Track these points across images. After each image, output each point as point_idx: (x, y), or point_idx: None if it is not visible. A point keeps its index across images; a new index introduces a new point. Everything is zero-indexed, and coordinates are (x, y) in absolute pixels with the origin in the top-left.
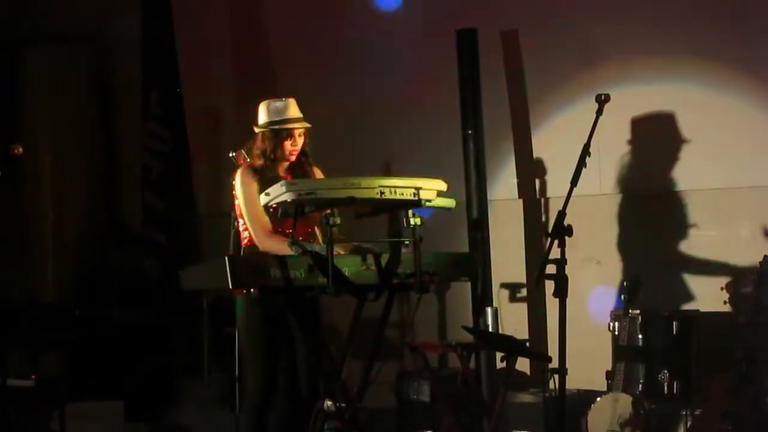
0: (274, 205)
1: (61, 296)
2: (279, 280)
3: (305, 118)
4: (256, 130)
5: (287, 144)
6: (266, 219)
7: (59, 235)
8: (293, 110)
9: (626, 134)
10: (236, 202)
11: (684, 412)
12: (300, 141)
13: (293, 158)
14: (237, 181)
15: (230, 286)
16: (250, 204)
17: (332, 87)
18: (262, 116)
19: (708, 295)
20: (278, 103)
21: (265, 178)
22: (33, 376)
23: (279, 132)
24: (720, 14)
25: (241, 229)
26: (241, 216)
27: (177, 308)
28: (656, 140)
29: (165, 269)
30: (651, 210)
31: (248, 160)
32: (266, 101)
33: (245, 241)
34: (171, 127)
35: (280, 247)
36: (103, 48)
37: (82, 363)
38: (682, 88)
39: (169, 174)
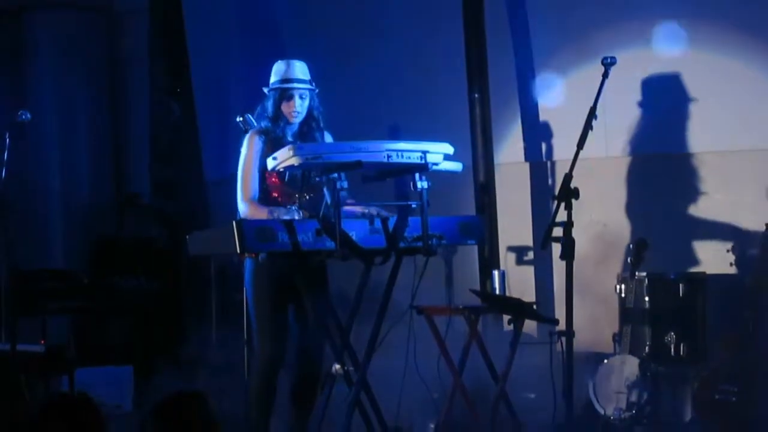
0: (281, 170)
1: (70, 264)
2: (287, 245)
3: (311, 82)
4: (264, 90)
5: (285, 105)
6: (254, 186)
7: (67, 203)
8: (298, 71)
9: (633, 96)
10: None
11: (691, 374)
12: (301, 103)
13: (294, 120)
14: (244, 144)
15: (238, 251)
16: (243, 166)
17: (338, 48)
18: (271, 78)
19: (714, 258)
20: (284, 65)
21: (270, 140)
22: (42, 342)
23: (280, 92)
24: None
25: None
26: None
27: (185, 275)
28: (662, 102)
29: (174, 237)
30: (657, 173)
31: (255, 124)
32: (276, 63)
33: None
34: (178, 97)
35: (256, 213)
36: (110, 16)
37: (91, 330)
38: (688, 50)
39: (176, 143)
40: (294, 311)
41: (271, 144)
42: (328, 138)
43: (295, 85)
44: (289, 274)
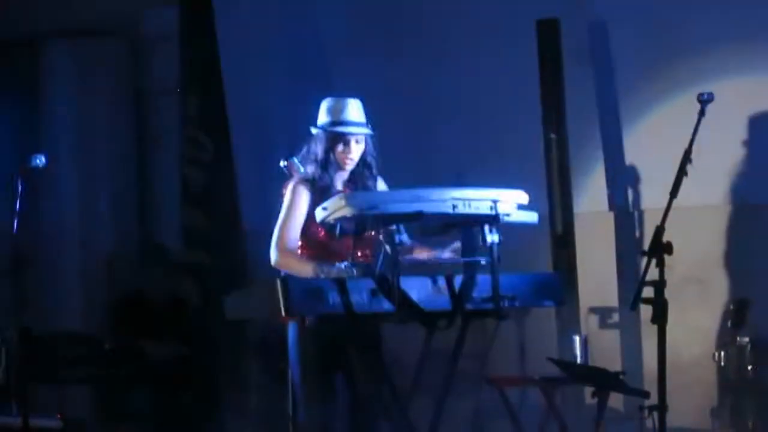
0: (332, 221)
1: (89, 326)
2: (338, 306)
3: (368, 124)
4: (312, 131)
5: (339, 150)
6: (294, 236)
7: (87, 256)
8: (353, 112)
9: (734, 136)
10: None
11: None
12: (357, 148)
13: (347, 167)
14: (287, 192)
15: (283, 313)
16: (288, 215)
17: (398, 86)
18: (321, 116)
19: None
20: (337, 103)
21: (319, 189)
22: (59, 415)
23: (332, 135)
24: None
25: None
26: None
27: (220, 340)
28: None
29: (206, 295)
30: (761, 224)
31: (302, 169)
32: (327, 99)
33: None
34: (213, 133)
35: (296, 266)
36: (135, 43)
37: (113, 402)
38: None
39: (211, 186)
40: (344, 382)
41: (319, 193)
42: (382, 185)
43: (352, 129)
44: (340, 339)
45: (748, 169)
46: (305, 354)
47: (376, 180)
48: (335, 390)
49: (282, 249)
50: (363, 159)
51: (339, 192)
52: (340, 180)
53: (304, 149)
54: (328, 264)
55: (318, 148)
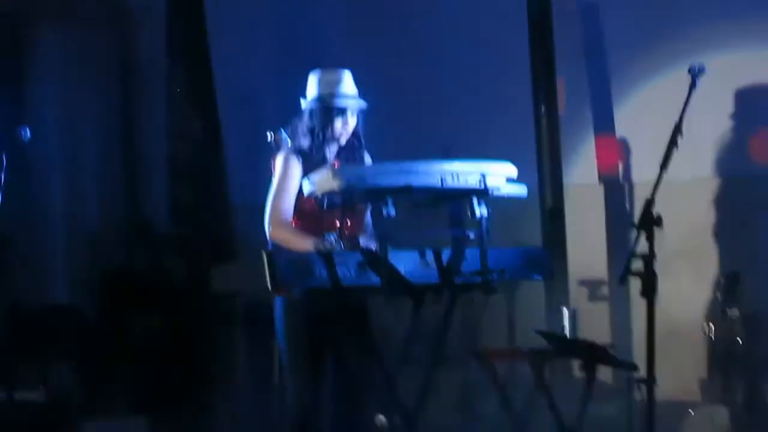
0: (319, 195)
1: (75, 301)
2: (325, 280)
3: (360, 96)
4: (303, 104)
5: (338, 123)
6: (289, 207)
7: (72, 231)
8: (347, 85)
9: (724, 109)
10: None
11: None
12: (353, 121)
13: (343, 141)
14: (277, 165)
15: (269, 287)
16: (280, 188)
17: (384, 57)
18: (312, 88)
19: None
20: (331, 75)
21: (311, 162)
22: (41, 387)
23: (329, 108)
24: None
25: None
26: None
27: (208, 314)
28: (759, 115)
29: (194, 269)
30: (751, 196)
31: (291, 141)
32: (317, 71)
33: None
34: (200, 108)
35: (293, 239)
36: (121, 18)
37: (98, 375)
38: None
39: (198, 161)
40: (332, 355)
41: (312, 166)
42: (368, 159)
43: (350, 102)
44: (327, 313)
45: (739, 142)
46: (292, 328)
47: (363, 153)
48: (323, 364)
49: (276, 222)
50: (354, 132)
51: (330, 164)
52: (330, 153)
53: (296, 122)
54: (317, 236)
55: (313, 121)
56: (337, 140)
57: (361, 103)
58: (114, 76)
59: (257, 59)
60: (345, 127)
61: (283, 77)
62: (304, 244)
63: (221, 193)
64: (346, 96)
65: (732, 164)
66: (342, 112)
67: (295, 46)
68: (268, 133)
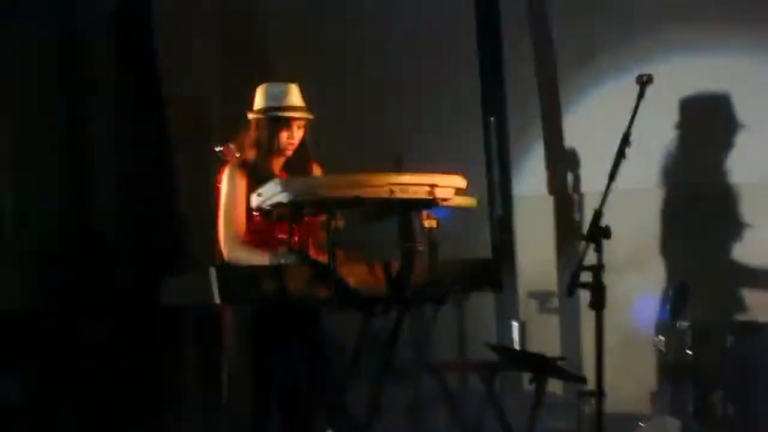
0: (267, 207)
1: (22, 313)
2: (274, 293)
3: (307, 108)
4: (250, 116)
5: (284, 135)
6: (241, 224)
7: (20, 242)
8: (294, 97)
9: (673, 119)
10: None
11: None
12: (299, 133)
13: (290, 153)
14: (223, 179)
15: (217, 301)
16: (230, 204)
17: (332, 69)
18: (259, 101)
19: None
20: (277, 88)
21: (257, 175)
22: None
23: (276, 120)
24: None
25: None
26: None
27: (157, 327)
28: (708, 125)
29: (143, 280)
30: (701, 206)
31: (238, 154)
32: (264, 85)
33: None
34: (148, 117)
35: (250, 257)
36: (69, 21)
37: (47, 389)
38: (737, 62)
39: (147, 169)
40: (282, 369)
41: (258, 179)
42: (317, 171)
43: (296, 114)
44: (276, 326)
45: (687, 152)
46: (241, 342)
47: (311, 165)
48: (272, 377)
49: (231, 244)
50: (302, 144)
51: (277, 176)
52: (277, 166)
53: (242, 134)
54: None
55: (259, 134)
56: (284, 152)
57: (309, 115)
58: (61, 84)
59: (205, 68)
60: (291, 138)
61: (231, 87)
62: (263, 260)
63: (169, 202)
64: (292, 108)
65: (681, 174)
66: (288, 123)
67: (245, 55)
68: (217, 147)
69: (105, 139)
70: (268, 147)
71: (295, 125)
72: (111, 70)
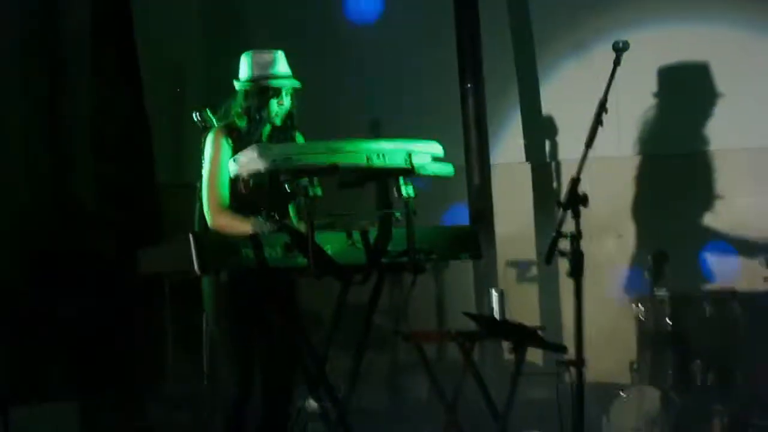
0: (245, 175)
1: (2, 284)
2: (252, 261)
3: (294, 76)
4: (237, 85)
5: (274, 104)
6: (224, 192)
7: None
8: (282, 65)
9: (650, 87)
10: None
11: (720, 407)
12: (287, 101)
13: (278, 121)
14: (208, 145)
15: (196, 269)
16: (214, 172)
17: (311, 37)
18: (245, 70)
19: (745, 271)
20: (266, 56)
21: (244, 143)
22: None
23: (266, 89)
24: None
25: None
26: None
27: (137, 295)
28: (685, 93)
29: (122, 250)
30: (679, 174)
31: (217, 123)
32: (250, 53)
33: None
34: (126, 86)
35: (233, 225)
36: None
37: (27, 360)
38: (714, 31)
39: (125, 139)
40: (260, 338)
41: (245, 147)
42: (300, 139)
43: (286, 82)
44: (255, 294)
45: (661, 119)
46: (220, 310)
47: (295, 133)
48: (252, 347)
49: (216, 210)
50: (288, 112)
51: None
52: (265, 132)
53: (230, 103)
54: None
55: (248, 103)
56: (273, 121)
57: (297, 83)
58: (38, 54)
59: (183, 38)
60: (281, 107)
61: (209, 57)
62: (246, 228)
63: (148, 172)
64: (282, 76)
65: (658, 142)
66: (278, 92)
67: (223, 26)
68: (194, 114)
69: (82, 107)
70: (258, 116)
71: (283, 93)
72: (88, 38)
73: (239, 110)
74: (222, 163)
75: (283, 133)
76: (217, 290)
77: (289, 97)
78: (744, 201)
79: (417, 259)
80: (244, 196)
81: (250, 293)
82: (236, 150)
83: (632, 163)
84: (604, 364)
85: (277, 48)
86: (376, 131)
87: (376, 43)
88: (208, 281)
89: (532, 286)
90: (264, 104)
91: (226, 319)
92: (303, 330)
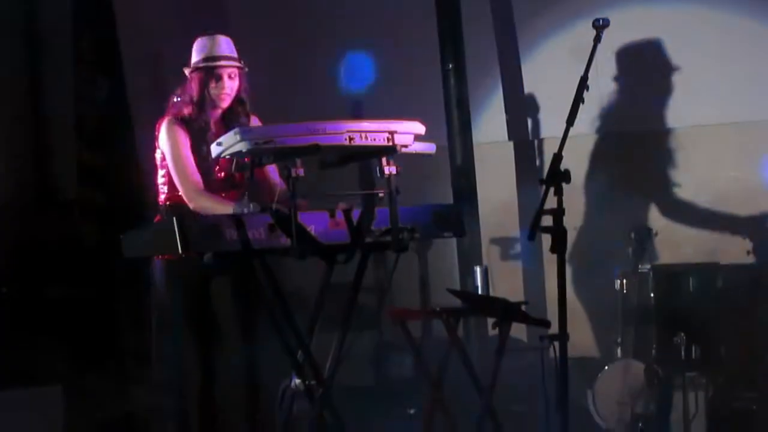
0: (227, 156)
1: None
2: (236, 243)
3: (240, 59)
4: (186, 72)
5: (213, 87)
6: (197, 175)
7: None
8: (224, 47)
9: (631, 64)
10: (157, 156)
11: (704, 380)
12: (230, 84)
13: (223, 104)
14: (162, 134)
15: (180, 252)
16: (178, 157)
17: (291, 18)
18: (193, 56)
19: (728, 246)
20: (206, 41)
21: (193, 129)
22: None
23: (205, 72)
24: None
25: (160, 183)
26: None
27: (120, 280)
28: (666, 69)
29: (105, 236)
30: (660, 150)
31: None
32: (197, 40)
33: (162, 197)
34: (106, 73)
35: (215, 205)
36: None
37: (12, 346)
38: (696, 9)
39: (106, 125)
40: (240, 318)
41: (195, 133)
42: (256, 122)
43: (223, 63)
44: (238, 275)
45: (647, 96)
46: (174, 293)
47: (249, 118)
48: (235, 327)
49: (193, 193)
50: (237, 96)
51: (213, 132)
52: (213, 119)
53: (179, 91)
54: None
55: (192, 87)
56: (218, 104)
57: (237, 64)
58: (19, 39)
59: (163, 26)
60: (223, 90)
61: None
62: (227, 209)
63: (129, 157)
64: (221, 58)
65: (640, 118)
66: (217, 74)
67: (203, 12)
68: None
69: (64, 94)
70: (201, 100)
71: (225, 75)
72: (68, 24)
73: (186, 97)
74: (184, 149)
75: (233, 116)
76: (200, 272)
77: (235, 80)
78: (726, 175)
79: (400, 237)
80: (218, 180)
81: (234, 274)
82: (191, 135)
83: (614, 140)
84: (587, 338)
85: (257, 34)
86: (359, 112)
87: (359, 22)
88: (158, 263)
89: (516, 263)
90: (205, 87)
91: (181, 301)
92: (288, 308)
